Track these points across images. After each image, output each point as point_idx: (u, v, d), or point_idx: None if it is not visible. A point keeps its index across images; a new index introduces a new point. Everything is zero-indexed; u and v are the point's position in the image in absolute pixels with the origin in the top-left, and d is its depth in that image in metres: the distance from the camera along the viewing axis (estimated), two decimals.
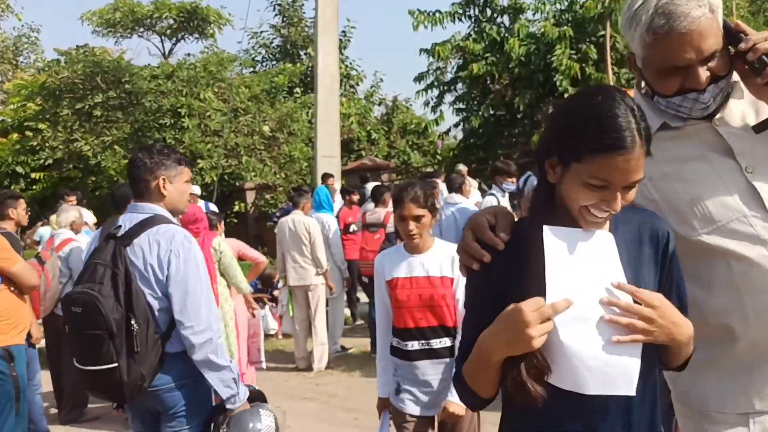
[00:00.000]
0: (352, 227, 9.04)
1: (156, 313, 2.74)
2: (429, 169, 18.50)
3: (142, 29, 15.39)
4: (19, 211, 5.23)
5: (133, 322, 2.64)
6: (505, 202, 6.71)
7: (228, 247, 5.64)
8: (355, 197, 9.73)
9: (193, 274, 2.76)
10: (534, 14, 14.80)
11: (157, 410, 2.86)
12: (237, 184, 14.72)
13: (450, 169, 14.82)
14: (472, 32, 14.94)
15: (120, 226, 2.83)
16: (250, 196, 15.54)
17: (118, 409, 3.18)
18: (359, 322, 9.57)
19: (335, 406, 6.09)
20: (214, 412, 2.93)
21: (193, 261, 2.77)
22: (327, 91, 11.30)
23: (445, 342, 3.04)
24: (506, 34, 14.24)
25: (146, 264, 2.74)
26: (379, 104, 20.83)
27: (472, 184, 9.61)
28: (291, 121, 14.83)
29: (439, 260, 3.04)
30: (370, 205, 8.23)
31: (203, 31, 15.73)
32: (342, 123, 18.67)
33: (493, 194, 6.70)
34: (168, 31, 15.67)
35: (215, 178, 12.88)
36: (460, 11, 14.85)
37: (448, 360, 3.04)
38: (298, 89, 17.51)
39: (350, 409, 5.95)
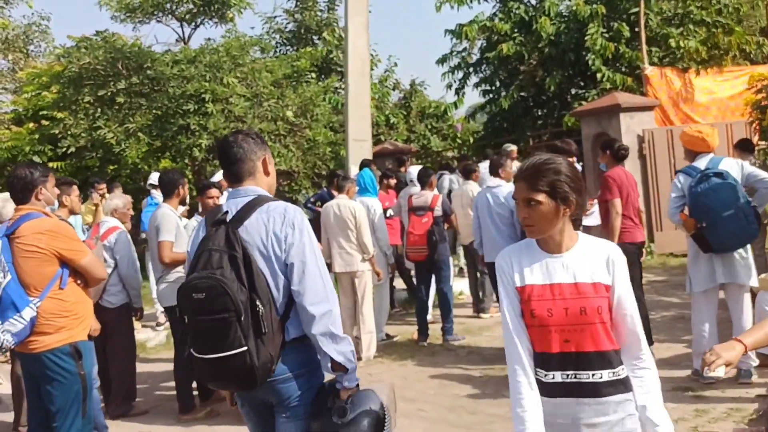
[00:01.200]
0: (389, 212, 8.81)
1: (275, 294, 2.64)
2: (450, 153, 18.32)
3: (161, 14, 15.08)
4: (73, 198, 5.03)
5: (258, 303, 2.55)
6: None
7: None
8: (393, 182, 9.47)
9: (309, 245, 2.67)
10: None
11: (270, 402, 2.72)
12: None
13: (476, 153, 14.54)
14: (498, 12, 14.62)
15: (227, 211, 2.71)
16: None
17: (233, 404, 2.95)
18: (397, 309, 9.35)
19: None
20: (323, 394, 2.73)
21: (307, 232, 2.69)
22: (358, 74, 10.97)
23: (601, 375, 2.25)
24: (534, 13, 13.92)
25: (263, 242, 2.64)
26: (394, 89, 20.56)
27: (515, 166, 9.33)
28: (313, 106, 14.54)
29: (588, 261, 2.30)
30: (415, 188, 7.98)
31: (223, 15, 15.40)
32: None
33: None
34: (187, 16, 15.35)
35: None
36: None
37: (603, 400, 2.26)
38: (313, 74, 17.23)
39: (411, 399, 5.72)
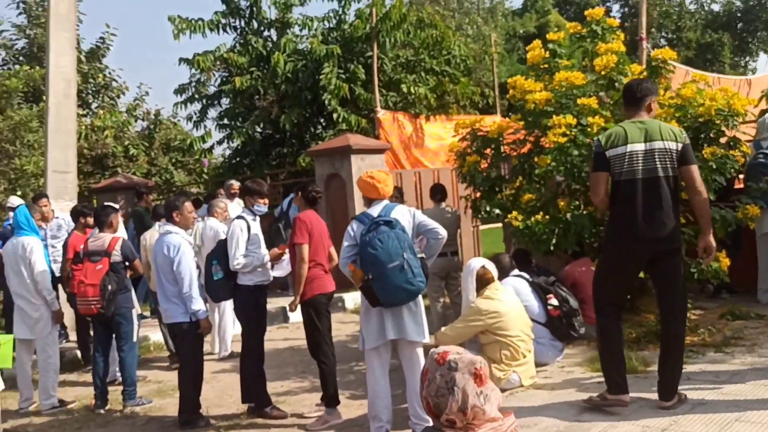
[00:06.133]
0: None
1: None
2: (194, 189, 17.32)
3: None
4: None
5: None
6: (256, 224, 5.87)
7: None
8: (90, 220, 8.32)
9: None
10: (301, 30, 14.31)
11: None
12: None
13: (217, 188, 13.71)
14: (237, 44, 14.07)
15: None
16: None
17: None
18: (89, 367, 8.13)
19: None
20: None
21: None
22: (61, 96, 9.72)
23: None
24: (273, 49, 13.56)
25: None
26: (143, 119, 19.28)
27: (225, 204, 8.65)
28: (26, 131, 12.82)
29: None
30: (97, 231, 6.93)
31: None
32: (96, 137, 16.84)
33: (242, 217, 5.81)
34: None
35: None
36: (224, 21, 13.92)
37: None
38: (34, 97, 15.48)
39: None
